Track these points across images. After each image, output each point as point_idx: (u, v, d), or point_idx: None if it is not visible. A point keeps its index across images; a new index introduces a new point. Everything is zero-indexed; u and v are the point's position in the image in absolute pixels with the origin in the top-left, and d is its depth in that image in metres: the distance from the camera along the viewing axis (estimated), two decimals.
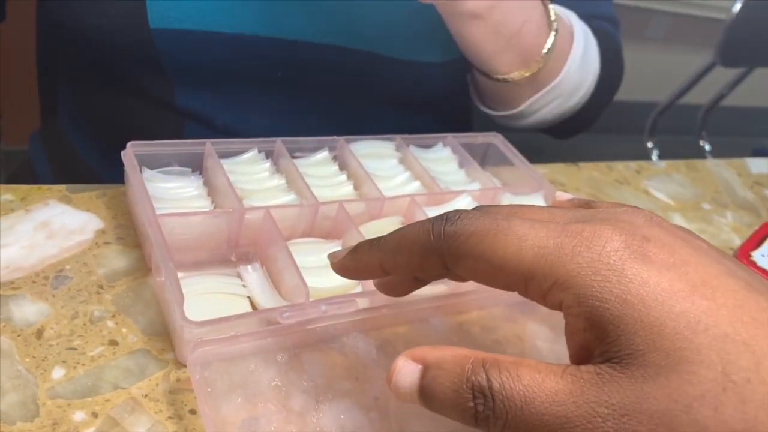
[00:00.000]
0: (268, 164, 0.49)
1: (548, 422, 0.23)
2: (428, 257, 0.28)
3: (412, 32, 0.52)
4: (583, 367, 0.24)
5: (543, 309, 0.46)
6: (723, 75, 1.50)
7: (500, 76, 0.52)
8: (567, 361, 0.26)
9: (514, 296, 0.45)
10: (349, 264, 0.32)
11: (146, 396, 0.36)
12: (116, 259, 0.44)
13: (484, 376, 0.24)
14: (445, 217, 0.27)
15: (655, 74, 2.20)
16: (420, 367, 0.27)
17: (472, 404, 0.25)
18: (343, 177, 0.51)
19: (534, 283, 0.25)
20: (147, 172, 0.45)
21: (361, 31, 0.51)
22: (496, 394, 0.24)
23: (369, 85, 0.55)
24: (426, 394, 0.26)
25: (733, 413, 0.21)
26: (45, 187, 0.48)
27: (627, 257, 0.24)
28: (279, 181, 0.48)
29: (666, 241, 0.24)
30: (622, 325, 0.23)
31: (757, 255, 0.56)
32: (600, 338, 0.23)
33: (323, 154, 0.52)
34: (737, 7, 1.32)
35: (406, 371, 0.27)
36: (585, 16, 0.62)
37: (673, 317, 0.22)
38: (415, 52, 0.53)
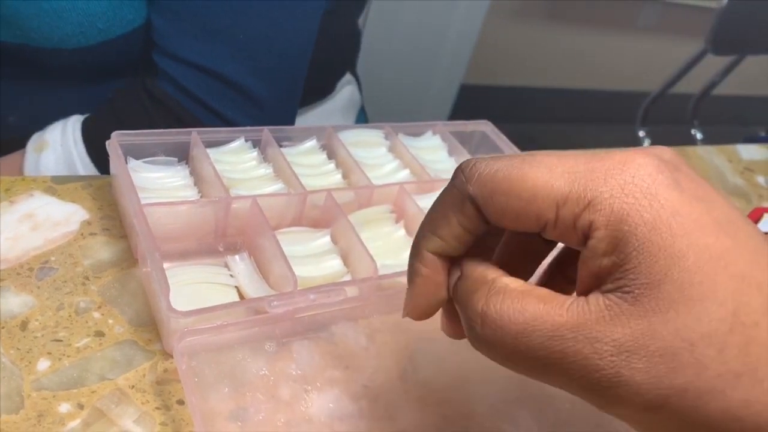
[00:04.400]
0: (255, 153, 0.49)
1: (542, 355, 0.23)
2: (463, 209, 0.26)
3: (59, 31, 0.57)
4: (591, 299, 0.23)
5: None
6: (714, 63, 1.50)
7: None
8: None
9: None
10: (414, 293, 0.29)
11: (133, 387, 0.36)
12: (102, 250, 0.43)
13: (483, 303, 0.25)
14: (461, 167, 0.27)
15: (646, 63, 2.20)
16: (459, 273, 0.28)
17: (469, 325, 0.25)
18: (332, 166, 0.50)
19: (566, 209, 0.24)
20: (132, 162, 0.45)
21: (23, 32, 0.57)
22: (490, 322, 0.24)
23: (48, 67, 0.62)
24: (453, 294, 0.28)
25: (737, 354, 0.21)
26: (29, 178, 0.47)
27: (660, 182, 0.23)
28: (266, 170, 0.48)
29: (693, 176, 0.24)
30: (645, 251, 0.22)
31: None
32: (619, 264, 0.23)
33: (311, 143, 0.51)
34: None
35: (454, 272, 0.28)
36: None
37: (696, 250, 0.22)
38: (61, 43, 0.58)
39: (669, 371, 0.21)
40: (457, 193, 0.26)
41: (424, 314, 0.29)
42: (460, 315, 0.27)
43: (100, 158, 0.57)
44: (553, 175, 0.24)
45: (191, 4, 0.56)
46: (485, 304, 0.25)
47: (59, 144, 0.58)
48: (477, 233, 0.27)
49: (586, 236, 0.24)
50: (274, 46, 0.59)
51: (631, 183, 0.23)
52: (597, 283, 0.24)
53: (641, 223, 0.22)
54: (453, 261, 0.28)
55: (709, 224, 0.22)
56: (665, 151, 0.25)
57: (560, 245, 0.31)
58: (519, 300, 0.24)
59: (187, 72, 0.58)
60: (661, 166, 0.24)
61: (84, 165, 0.57)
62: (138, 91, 0.60)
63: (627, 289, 0.22)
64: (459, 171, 0.27)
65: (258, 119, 0.61)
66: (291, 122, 0.67)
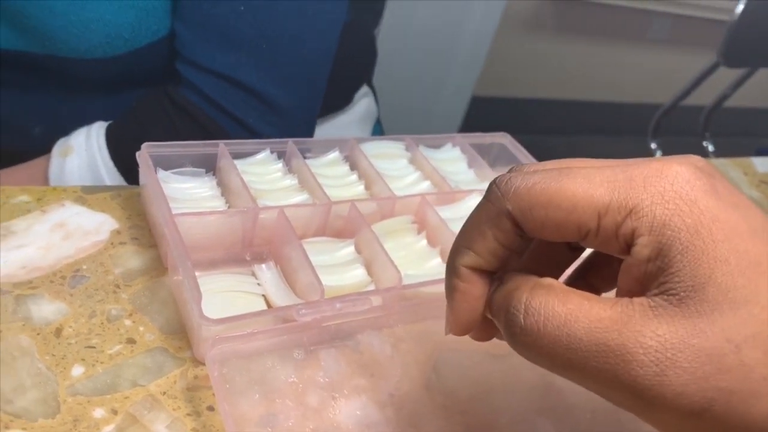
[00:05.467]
0: (280, 165, 0.49)
1: (584, 347, 0.23)
2: (499, 223, 0.27)
3: (86, 42, 0.59)
4: (636, 299, 0.23)
5: None
6: (726, 76, 1.50)
7: None
8: None
9: None
10: (454, 308, 0.29)
11: (164, 393, 0.37)
12: (132, 259, 0.44)
13: (528, 294, 0.25)
14: (496, 182, 0.27)
15: (658, 76, 2.21)
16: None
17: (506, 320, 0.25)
18: (354, 177, 0.51)
19: (608, 218, 0.24)
20: (161, 173, 0.46)
21: (51, 43, 0.58)
22: (533, 311, 0.24)
23: (73, 77, 0.64)
24: (490, 303, 0.28)
25: None
26: (60, 188, 0.48)
27: (699, 189, 0.24)
28: (292, 181, 0.48)
29: (727, 183, 0.25)
30: (689, 255, 0.23)
31: None
32: (663, 269, 0.23)
33: (334, 155, 0.52)
34: (740, 8, 1.32)
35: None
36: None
37: (736, 255, 0.22)
38: (87, 53, 0.59)
39: (715, 372, 0.21)
40: (493, 209, 0.27)
41: (466, 329, 0.29)
42: (496, 319, 0.27)
43: (123, 164, 0.59)
44: (592, 185, 0.25)
45: (215, 14, 0.57)
46: (529, 296, 0.25)
47: (84, 149, 0.59)
48: (512, 247, 0.27)
49: (628, 243, 0.24)
50: (296, 56, 0.60)
51: (671, 190, 0.24)
52: (639, 290, 0.24)
53: (684, 227, 0.23)
54: (488, 276, 0.28)
55: (746, 231, 0.23)
56: (698, 159, 0.26)
57: (585, 254, 0.32)
58: (563, 294, 0.24)
59: (210, 81, 0.59)
60: (698, 173, 0.24)
61: (108, 170, 0.58)
62: (161, 98, 0.61)
63: (672, 291, 0.23)
64: (494, 186, 0.27)
65: (279, 127, 0.62)
66: (311, 131, 0.68)
